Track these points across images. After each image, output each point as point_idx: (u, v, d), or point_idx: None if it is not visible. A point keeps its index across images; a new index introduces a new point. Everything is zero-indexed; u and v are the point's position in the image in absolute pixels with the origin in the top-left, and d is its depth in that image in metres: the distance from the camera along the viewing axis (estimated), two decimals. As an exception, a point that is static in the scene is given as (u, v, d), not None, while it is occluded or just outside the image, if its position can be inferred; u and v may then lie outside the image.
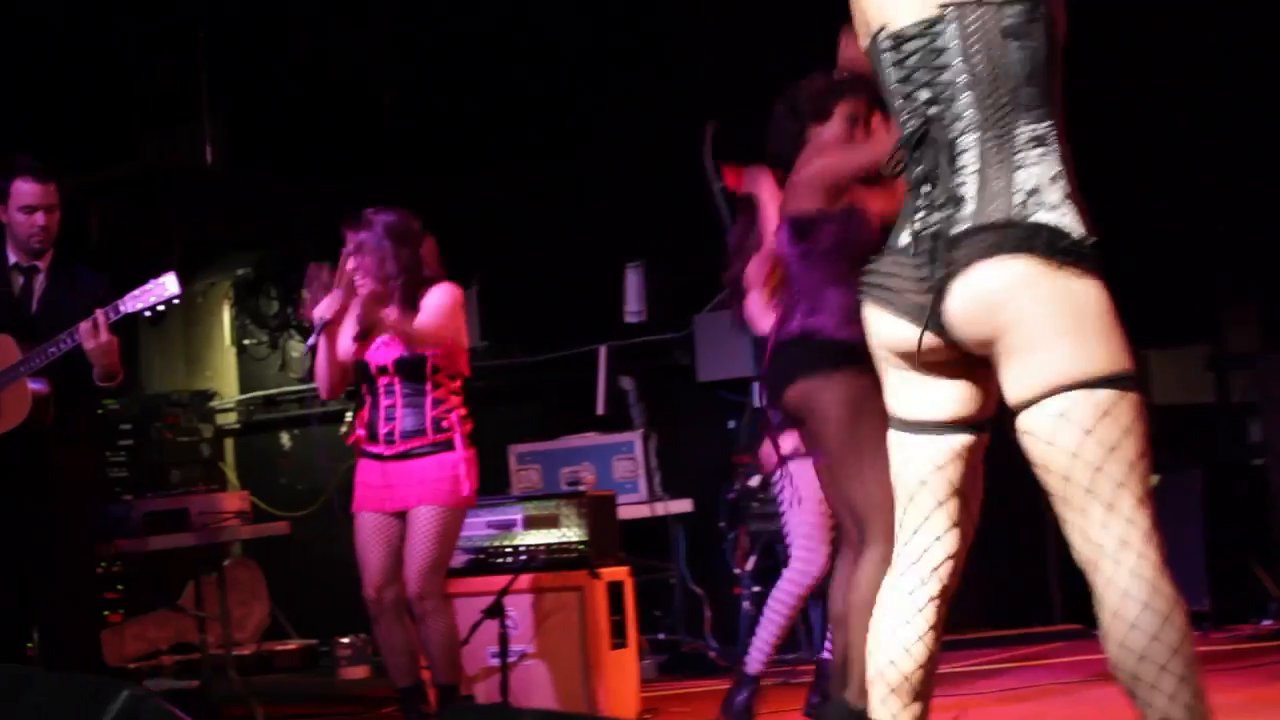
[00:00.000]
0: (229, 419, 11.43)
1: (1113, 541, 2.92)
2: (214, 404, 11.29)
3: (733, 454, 8.90)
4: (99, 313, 5.64)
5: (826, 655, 5.97)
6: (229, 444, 11.46)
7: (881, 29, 3.20)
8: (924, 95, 3.13)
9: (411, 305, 5.94)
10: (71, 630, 5.87)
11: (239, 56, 10.34)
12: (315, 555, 10.06)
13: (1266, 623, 7.96)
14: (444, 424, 5.96)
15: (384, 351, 6.01)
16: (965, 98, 3.09)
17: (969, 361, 3.15)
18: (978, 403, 3.20)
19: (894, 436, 3.26)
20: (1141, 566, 2.89)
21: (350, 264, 5.93)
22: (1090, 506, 2.94)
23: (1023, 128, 3.05)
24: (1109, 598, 2.91)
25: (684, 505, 9.00)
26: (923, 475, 3.20)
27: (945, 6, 3.08)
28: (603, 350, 9.23)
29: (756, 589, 8.66)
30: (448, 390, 6.01)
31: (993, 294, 2.99)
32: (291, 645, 10.11)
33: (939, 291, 3.05)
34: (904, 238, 3.16)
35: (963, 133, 3.09)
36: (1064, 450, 2.95)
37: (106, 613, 9.35)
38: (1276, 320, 8.73)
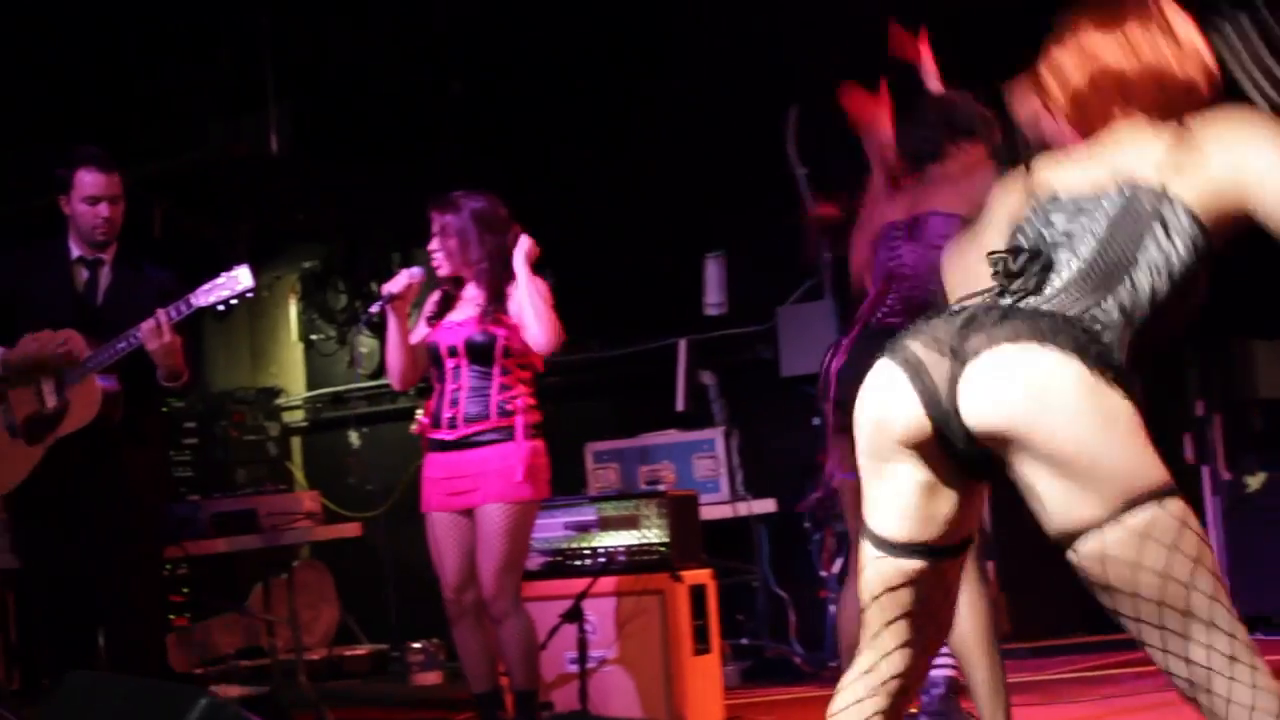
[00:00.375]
0: (296, 417, 11.48)
1: (1221, 659, 2.80)
2: (280, 401, 11.35)
3: (818, 451, 8.86)
4: (160, 313, 5.65)
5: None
6: (296, 442, 11.51)
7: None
8: (1046, 234, 3.02)
9: (497, 295, 5.94)
10: (138, 635, 5.89)
11: (304, 43, 10.39)
12: (385, 557, 10.08)
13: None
14: (508, 408, 5.94)
15: (454, 332, 6.00)
16: (1075, 265, 2.96)
17: (951, 468, 2.92)
18: (947, 525, 2.95)
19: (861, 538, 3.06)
20: (1257, 678, 2.80)
21: (432, 245, 5.98)
22: (1190, 628, 2.78)
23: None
24: (1234, 715, 2.81)
25: (767, 505, 8.97)
26: (873, 590, 2.98)
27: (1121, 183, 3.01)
28: (682, 344, 9.20)
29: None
30: (516, 377, 5.99)
31: (1033, 383, 2.79)
32: (361, 650, 10.14)
33: (963, 360, 2.83)
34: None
35: (1063, 267, 2.97)
36: (1153, 570, 2.76)
37: (172, 617, 9.41)
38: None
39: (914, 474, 2.90)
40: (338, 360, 11.12)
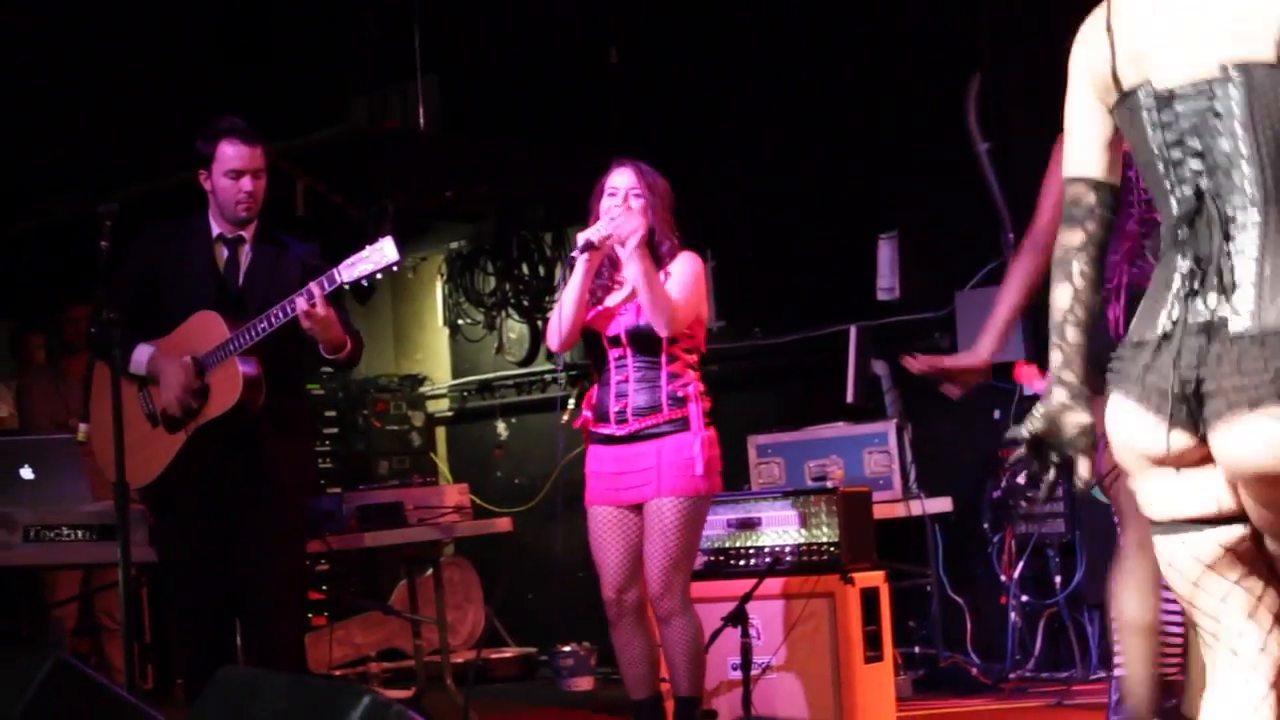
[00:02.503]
0: (441, 406, 11.58)
1: None
2: (425, 390, 11.45)
3: (999, 447, 8.79)
4: (313, 285, 5.69)
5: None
6: (440, 433, 11.62)
7: (1140, 85, 3.11)
8: (1195, 165, 3.02)
9: (659, 268, 5.96)
10: (277, 633, 5.93)
11: (453, 11, 10.48)
12: (533, 555, 10.14)
13: None
14: (680, 395, 5.97)
15: (617, 321, 6.02)
16: (1247, 171, 2.95)
17: None
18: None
19: (1157, 541, 3.18)
20: None
21: (609, 203, 5.98)
22: None
23: None
24: None
25: (943, 504, 8.91)
26: (1193, 577, 3.13)
27: (1230, 66, 2.98)
28: (853, 331, 9.15)
29: (1025, 598, 8.56)
30: (684, 364, 6.01)
31: None
32: (509, 653, 10.23)
33: (1199, 396, 2.97)
34: (1160, 325, 3.05)
35: (1240, 209, 2.97)
36: None
37: (310, 615, 9.54)
38: None
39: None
40: (485, 346, 11.19)
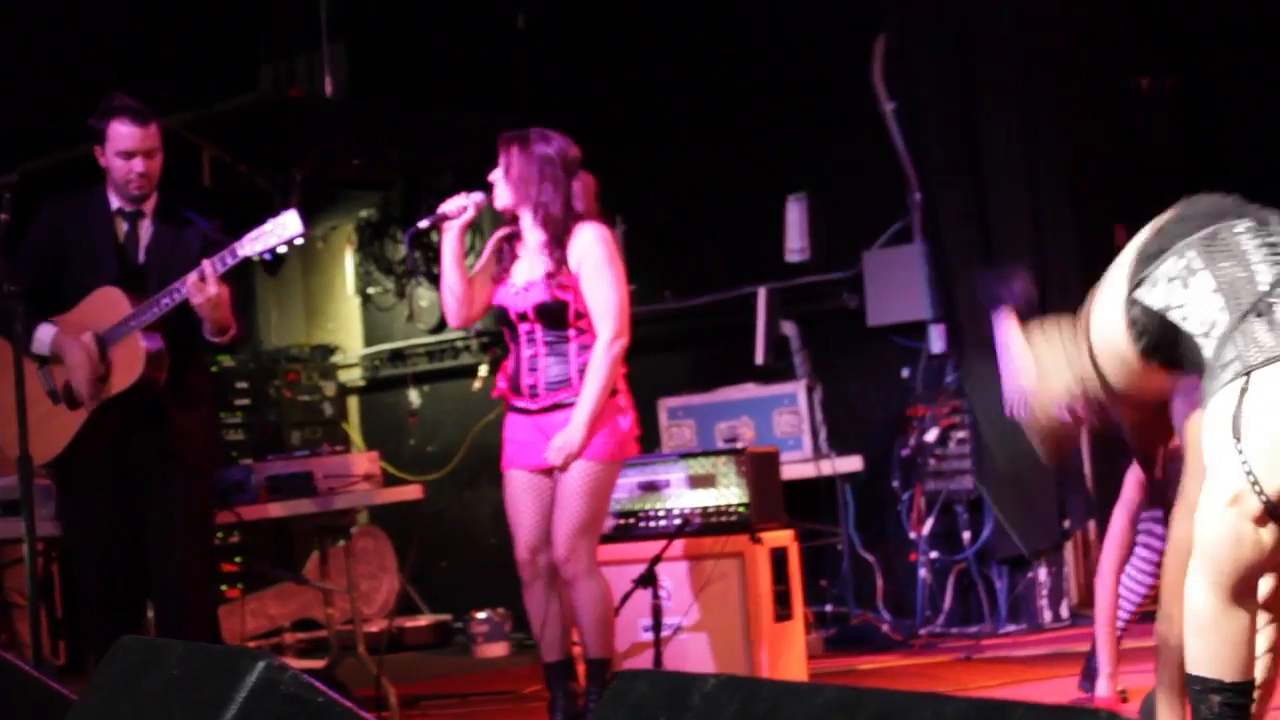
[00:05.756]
0: (352, 375, 11.58)
1: None
2: (336, 359, 11.46)
3: (907, 406, 8.90)
4: (206, 263, 5.68)
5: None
6: (352, 402, 11.63)
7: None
8: None
9: (558, 241, 6.01)
10: (188, 605, 5.95)
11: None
12: (447, 523, 10.19)
13: None
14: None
15: (524, 296, 6.08)
16: None
17: None
18: None
19: None
20: None
21: (494, 174, 6.05)
22: None
23: None
24: None
25: (853, 463, 9.02)
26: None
27: None
28: (762, 293, 9.23)
29: (934, 555, 8.68)
30: (593, 336, 6.07)
31: None
32: (423, 621, 10.27)
33: None
34: None
35: None
36: None
37: (224, 587, 9.55)
38: None
39: None
40: (396, 315, 11.21)
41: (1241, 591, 3.54)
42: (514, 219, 6.15)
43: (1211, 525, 3.52)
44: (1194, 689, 3.64)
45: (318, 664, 8.04)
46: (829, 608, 8.88)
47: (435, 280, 10.72)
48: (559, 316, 6.02)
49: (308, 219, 5.82)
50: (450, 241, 6.12)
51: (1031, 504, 8.52)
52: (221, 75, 10.40)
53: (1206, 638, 3.55)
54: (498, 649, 9.39)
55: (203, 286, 5.65)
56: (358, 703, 6.76)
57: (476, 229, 9.06)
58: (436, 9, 10.51)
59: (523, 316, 6.08)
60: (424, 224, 6.19)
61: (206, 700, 2.76)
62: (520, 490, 6.12)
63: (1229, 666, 3.55)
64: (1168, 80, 9.57)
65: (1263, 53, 9.23)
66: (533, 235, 6.09)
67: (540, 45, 10.28)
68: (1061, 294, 8.65)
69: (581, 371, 5.99)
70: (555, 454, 5.91)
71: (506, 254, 6.19)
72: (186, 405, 5.95)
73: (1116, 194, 9.26)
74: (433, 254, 10.70)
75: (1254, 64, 9.28)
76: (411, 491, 7.74)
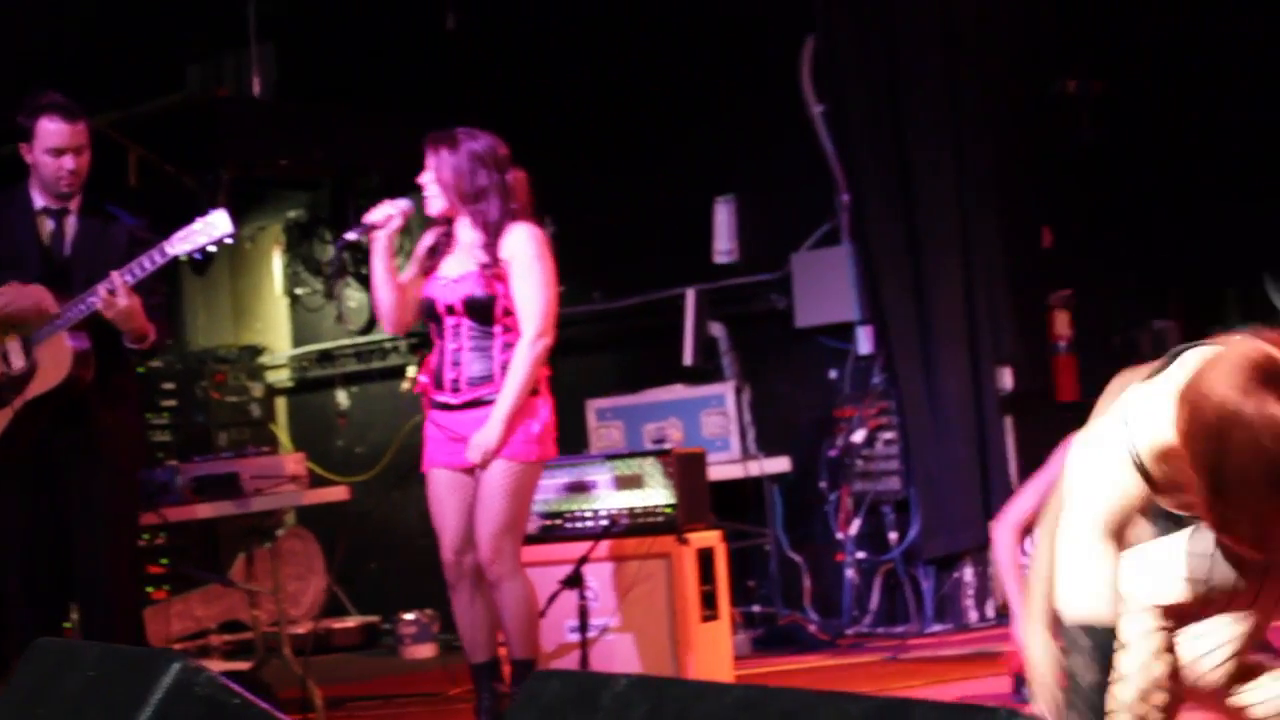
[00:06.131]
0: (280, 376, 11.53)
1: None
2: (264, 360, 11.40)
3: (834, 407, 8.93)
4: (115, 275, 5.64)
5: None
6: (281, 403, 11.58)
7: None
8: None
9: (490, 237, 6.00)
10: (113, 607, 5.93)
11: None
12: (376, 524, 10.17)
13: None
14: None
15: (453, 289, 6.06)
16: None
17: None
18: None
19: None
20: None
21: (423, 178, 6.04)
22: None
23: None
24: None
25: (781, 464, 9.04)
26: None
27: None
28: (690, 294, 9.25)
29: (861, 555, 8.71)
30: (519, 333, 6.06)
31: None
32: (351, 622, 10.25)
33: None
34: None
35: None
36: None
37: (150, 589, 9.50)
38: None
39: None
40: (325, 316, 11.16)
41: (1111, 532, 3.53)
42: (447, 221, 6.14)
43: (1082, 467, 3.49)
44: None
45: (243, 666, 8.01)
46: (756, 608, 8.90)
47: (364, 281, 10.74)
48: (486, 311, 6.00)
49: (235, 219, 5.81)
50: (380, 252, 6.10)
51: (957, 504, 8.56)
52: (148, 75, 10.35)
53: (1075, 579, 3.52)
54: (426, 650, 9.37)
55: (112, 301, 5.63)
56: (282, 704, 6.77)
57: (406, 231, 9.02)
58: (365, 9, 10.48)
59: (450, 310, 6.06)
60: (352, 235, 6.18)
61: (121, 702, 2.75)
62: (443, 491, 6.11)
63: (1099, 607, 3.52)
64: (1094, 84, 9.65)
65: (1187, 56, 9.32)
66: (467, 234, 6.07)
67: (470, 46, 10.26)
68: (988, 297, 8.73)
69: (504, 368, 5.98)
70: (474, 452, 5.90)
71: (442, 248, 6.17)
72: (112, 405, 5.94)
73: (1043, 196, 9.34)
74: (361, 255, 10.71)
75: (1179, 68, 9.37)
76: (338, 492, 7.74)
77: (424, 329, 6.35)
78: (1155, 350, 9.62)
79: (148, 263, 5.69)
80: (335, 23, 10.62)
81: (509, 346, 6.02)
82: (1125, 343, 9.77)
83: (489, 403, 5.98)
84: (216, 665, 8.41)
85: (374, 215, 6.07)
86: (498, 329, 6.03)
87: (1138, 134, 9.53)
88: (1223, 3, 9.24)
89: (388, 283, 6.12)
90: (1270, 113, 9.14)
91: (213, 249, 5.76)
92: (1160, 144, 9.45)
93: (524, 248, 6.03)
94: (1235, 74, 9.23)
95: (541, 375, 6.06)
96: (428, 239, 6.21)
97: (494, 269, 5.99)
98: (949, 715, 1.75)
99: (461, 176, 6.02)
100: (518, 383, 5.92)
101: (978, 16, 8.89)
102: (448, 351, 6.09)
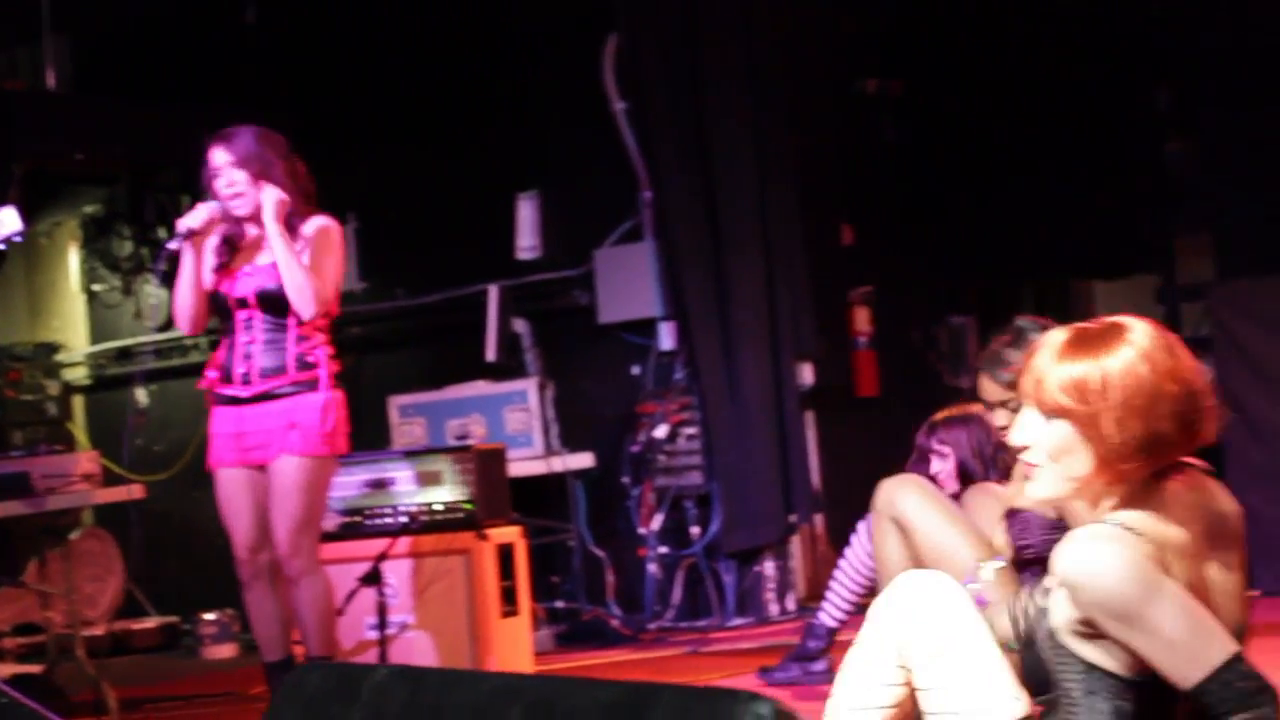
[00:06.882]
0: (77, 374, 11.34)
1: None
2: (60, 357, 11.21)
3: (637, 403, 8.96)
4: None
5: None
6: (78, 401, 11.38)
7: None
8: None
9: (292, 231, 5.94)
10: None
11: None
12: (175, 524, 10.04)
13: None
14: (309, 359, 5.96)
15: (246, 282, 6.00)
16: None
17: None
18: None
19: None
20: None
21: (222, 182, 5.94)
22: None
23: None
24: None
25: (584, 460, 9.06)
26: None
27: None
28: (493, 290, 9.23)
29: (663, 550, 8.75)
30: (313, 327, 6.00)
31: None
32: (150, 623, 10.09)
33: None
34: None
35: None
36: None
37: (-60, 593, 9.30)
38: (1230, 248, 8.86)
39: None
40: (123, 312, 11.00)
41: None
42: (236, 219, 6.05)
43: None
44: None
45: (36, 669, 7.87)
46: (560, 604, 8.89)
47: (163, 278, 10.59)
48: (281, 303, 5.94)
49: (30, 215, 5.71)
50: (192, 258, 6.00)
51: (758, 499, 8.63)
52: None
53: None
54: (226, 650, 9.26)
55: None
56: (75, 707, 6.66)
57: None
58: (163, 1, 10.34)
59: (242, 303, 5.99)
60: (174, 245, 6.02)
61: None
62: (233, 489, 6.05)
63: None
64: (894, 83, 9.77)
65: (985, 58, 9.47)
66: (265, 227, 5.98)
67: (270, 40, 10.16)
68: (789, 294, 8.80)
69: (298, 361, 5.93)
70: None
71: (235, 243, 6.10)
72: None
73: (844, 193, 9.45)
74: (161, 250, 10.56)
75: (977, 69, 9.52)
76: (132, 491, 7.61)
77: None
78: (953, 346, 9.85)
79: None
80: (132, 14, 10.47)
81: (303, 339, 5.97)
82: (924, 338, 9.93)
83: (281, 396, 5.92)
84: (7, 668, 8.25)
85: (192, 220, 5.94)
86: (291, 321, 5.97)
87: (936, 133, 9.67)
88: (1018, 5, 9.40)
89: (196, 287, 6.04)
90: (1062, 115, 9.31)
91: (2, 247, 5.66)
92: (958, 144, 9.60)
93: (317, 236, 6.01)
94: (1031, 76, 9.39)
95: (332, 370, 6.01)
96: (216, 235, 6.11)
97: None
98: (694, 699, 1.76)
99: (268, 167, 5.96)
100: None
101: (779, 16, 8.96)
102: (239, 345, 6.03)
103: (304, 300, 5.89)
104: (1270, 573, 7.66)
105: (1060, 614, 3.02)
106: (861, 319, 9.40)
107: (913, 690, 3.26)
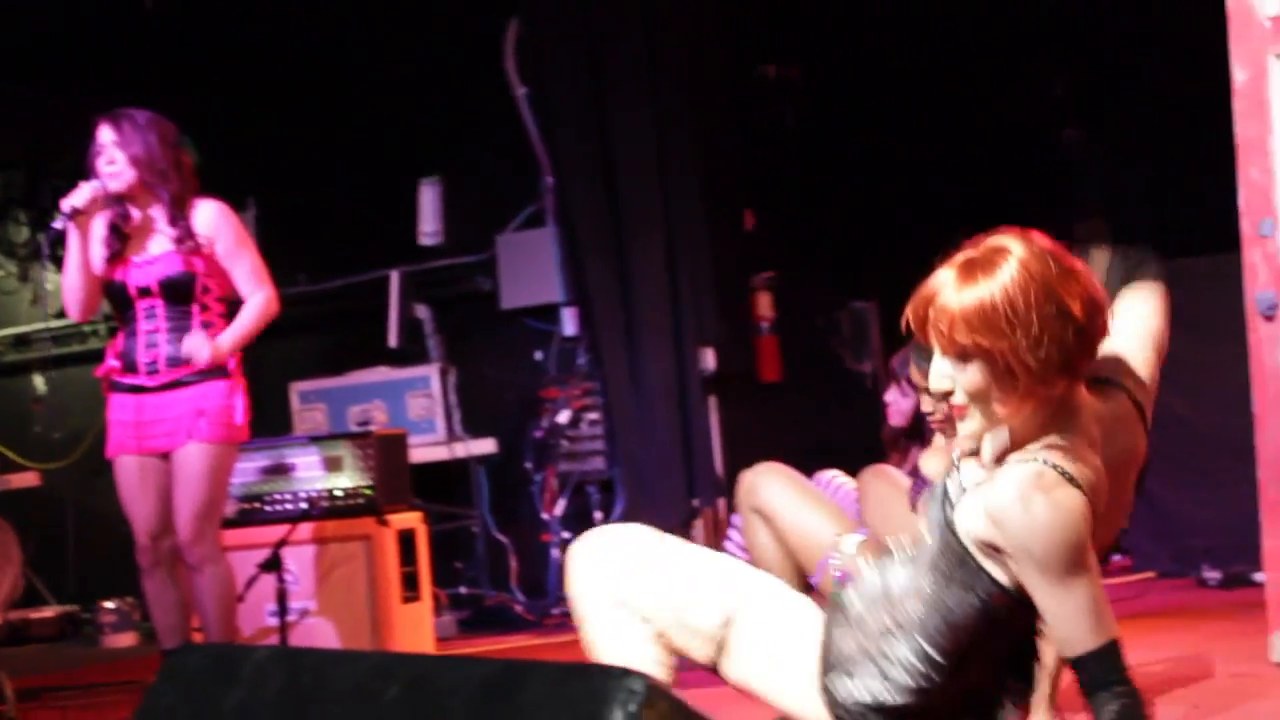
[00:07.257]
0: (-26, 362, 11.25)
1: None
2: (-44, 345, 11.12)
3: (540, 388, 8.96)
4: None
5: None
6: (-26, 389, 11.28)
7: None
8: None
9: (180, 215, 5.91)
10: None
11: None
12: (74, 511, 9.96)
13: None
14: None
15: (145, 271, 5.95)
16: None
17: None
18: None
19: None
20: None
21: (104, 158, 5.89)
22: None
23: None
24: None
25: (486, 445, 9.06)
26: None
27: None
28: (395, 276, 9.21)
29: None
30: (217, 313, 5.99)
31: None
32: (49, 612, 10.00)
33: None
34: None
35: None
36: None
37: None
38: (1125, 235, 8.94)
39: None
40: (20, 299, 10.91)
41: None
42: (120, 200, 6.01)
43: None
44: None
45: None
46: (463, 589, 8.89)
47: (61, 263, 10.49)
48: (185, 291, 5.92)
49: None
50: (78, 240, 5.96)
51: (661, 484, 8.64)
52: None
53: None
54: (127, 639, 9.20)
55: None
56: (-31, 697, 6.58)
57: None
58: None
59: (144, 291, 5.95)
60: (59, 225, 5.97)
61: None
62: (134, 477, 6.01)
63: None
64: (793, 69, 9.80)
65: (883, 43, 9.51)
66: (152, 211, 5.96)
67: (169, 26, 10.07)
68: (691, 279, 8.81)
69: None
70: (195, 350, 5.84)
71: (122, 229, 6.05)
72: None
73: (745, 179, 9.46)
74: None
75: (875, 54, 9.56)
76: (27, 478, 7.57)
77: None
78: (855, 331, 9.89)
79: None
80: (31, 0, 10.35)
81: (208, 326, 5.95)
82: (826, 323, 9.97)
83: (189, 384, 5.90)
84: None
85: (77, 199, 5.90)
86: (195, 308, 5.95)
87: (837, 119, 9.70)
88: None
89: (84, 269, 5.99)
90: (961, 101, 9.37)
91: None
92: (858, 129, 9.63)
93: (226, 223, 6.01)
94: (929, 62, 9.44)
95: (237, 356, 5.99)
96: (103, 224, 6.05)
97: (191, 246, 5.90)
98: (569, 675, 1.77)
99: (152, 151, 5.92)
100: (246, 326, 5.95)
101: (679, 2, 8.97)
102: (141, 334, 5.98)
103: (271, 314, 6.01)
104: (1166, 554, 7.75)
105: (971, 523, 3.06)
106: (764, 304, 9.41)
107: (650, 623, 3.35)
